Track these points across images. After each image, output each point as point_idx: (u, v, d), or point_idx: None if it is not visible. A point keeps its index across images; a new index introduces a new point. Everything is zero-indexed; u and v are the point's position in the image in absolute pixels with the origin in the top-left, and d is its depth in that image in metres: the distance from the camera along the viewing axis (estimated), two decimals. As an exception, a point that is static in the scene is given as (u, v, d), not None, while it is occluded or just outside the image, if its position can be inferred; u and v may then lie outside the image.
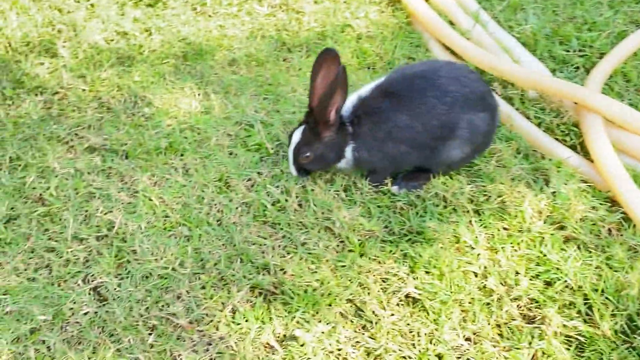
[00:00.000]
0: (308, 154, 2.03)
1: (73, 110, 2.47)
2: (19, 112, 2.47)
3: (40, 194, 2.15)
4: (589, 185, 2.09)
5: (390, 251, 1.94)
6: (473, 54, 2.54)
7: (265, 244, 1.97)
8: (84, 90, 2.55)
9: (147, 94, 2.51)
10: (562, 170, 2.11)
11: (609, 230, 1.99)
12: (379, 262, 1.92)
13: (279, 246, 1.97)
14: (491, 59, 2.48)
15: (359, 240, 1.97)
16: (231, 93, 2.51)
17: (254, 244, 1.98)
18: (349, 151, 2.06)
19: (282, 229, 2.02)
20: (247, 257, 1.94)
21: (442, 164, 2.07)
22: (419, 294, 1.82)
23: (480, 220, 2.01)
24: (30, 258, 1.98)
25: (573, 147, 2.25)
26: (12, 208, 2.11)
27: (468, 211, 2.04)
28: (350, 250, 1.96)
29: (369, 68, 2.63)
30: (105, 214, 2.08)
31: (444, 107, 1.96)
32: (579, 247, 1.93)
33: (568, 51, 2.62)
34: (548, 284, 1.86)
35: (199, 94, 2.52)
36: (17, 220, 2.08)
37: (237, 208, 2.08)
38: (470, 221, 2.01)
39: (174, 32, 2.82)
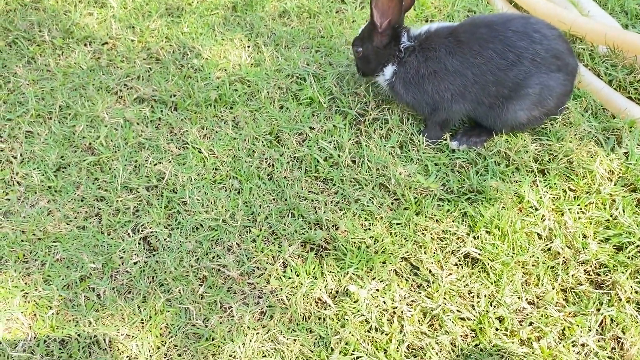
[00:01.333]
0: (359, 49, 2.05)
1: (122, 60, 2.42)
2: (68, 62, 2.44)
3: (90, 143, 2.12)
4: (665, 147, 1.95)
5: (448, 210, 1.85)
6: (538, 5, 2.38)
7: (317, 200, 1.91)
8: (132, 40, 2.50)
9: (196, 45, 2.44)
10: (635, 129, 1.97)
11: (687, 194, 1.85)
12: (437, 221, 1.83)
13: (332, 202, 1.90)
14: (558, 11, 2.32)
15: (415, 198, 1.88)
16: (282, 45, 2.43)
17: (305, 199, 1.91)
18: (389, 71, 2.00)
19: (334, 184, 1.94)
20: (299, 212, 1.88)
21: (505, 124, 1.94)
22: (479, 254, 1.73)
23: (545, 180, 1.89)
24: (80, 206, 1.96)
25: (647, 106, 2.09)
26: (62, 157, 2.10)
27: (532, 170, 1.92)
28: (405, 209, 1.87)
29: (427, 20, 2.49)
30: (155, 164, 2.04)
31: (503, 62, 1.82)
32: (653, 211, 1.80)
33: (642, 5, 2.44)
34: (619, 248, 1.74)
35: (248, 46, 2.44)
36: (67, 169, 2.06)
37: (288, 163, 2.01)
38: (535, 181, 1.89)
39: (223, -16, 2.74)
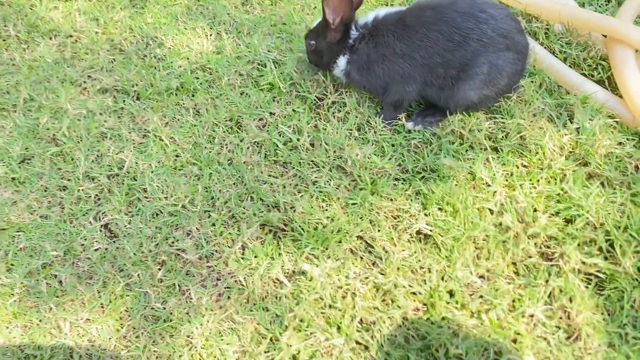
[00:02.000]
0: (312, 42, 2.10)
1: (86, 52, 2.45)
2: (33, 56, 2.46)
3: (54, 134, 2.15)
4: (616, 121, 1.98)
5: (403, 189, 1.89)
6: (497, -13, 2.41)
7: (276, 183, 1.94)
8: (96, 32, 2.52)
9: (159, 35, 2.46)
10: (587, 105, 2.00)
11: (636, 167, 1.88)
12: (391, 200, 1.87)
13: (290, 185, 1.94)
14: (516, -8, 2.35)
15: (370, 178, 1.92)
16: (244, 32, 2.45)
17: (264, 183, 1.95)
18: (343, 61, 2.04)
19: (293, 168, 1.97)
20: (258, 195, 1.92)
21: (458, 104, 1.97)
22: (431, 230, 1.77)
23: (498, 157, 1.93)
24: (43, 196, 1.99)
25: (600, 82, 2.12)
26: (26, 148, 2.12)
27: (486, 148, 1.95)
28: (361, 189, 1.91)
29: (387, 4, 2.52)
30: (117, 153, 2.07)
31: (449, 43, 1.86)
32: (602, 184, 1.84)
33: (600, -17, 2.46)
34: (568, 221, 1.78)
35: (211, 34, 2.46)
36: (31, 160, 2.09)
37: (248, 148, 2.04)
38: (488, 158, 1.93)
39: (188, -26, 2.76)
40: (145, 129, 2.14)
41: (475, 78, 1.89)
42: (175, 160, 2.04)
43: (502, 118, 2.02)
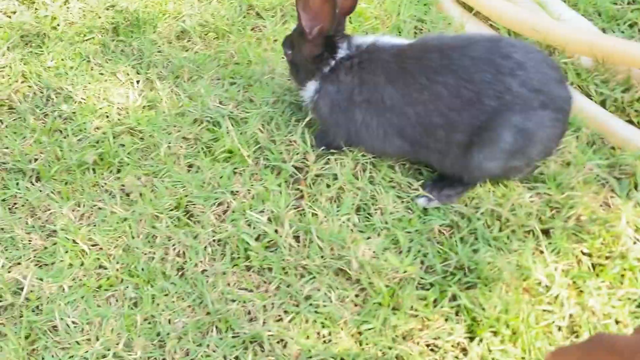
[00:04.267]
0: (288, 52, 1.64)
1: (-42, 114, 1.74)
2: None
3: None
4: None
5: (435, 301, 1.35)
6: (501, 10, 1.94)
7: (252, 301, 1.35)
8: (-27, 83, 1.82)
9: (64, 85, 1.80)
10: (650, 165, 1.55)
11: None
12: (423, 320, 1.32)
13: (273, 304, 1.35)
14: (526, 17, 1.89)
15: (387, 287, 1.36)
16: (183, 78, 1.83)
17: (235, 302, 1.35)
18: (312, 87, 1.57)
19: (275, 276, 1.39)
20: (227, 324, 1.32)
21: (472, 175, 1.49)
22: (491, 371, 1.24)
23: (550, 244, 1.43)
24: None
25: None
26: None
27: (532, 232, 1.45)
28: (376, 304, 1.35)
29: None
30: (9, 270, 1.40)
31: (456, 100, 1.38)
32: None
33: (617, 3, 2.05)
34: (664, 336, 1.31)
35: (138, 81, 1.82)
36: None
37: (205, 249, 1.43)
38: (539, 247, 1.42)
39: (100, -2, 2.10)
40: (50, 228, 1.48)
41: (494, 145, 1.40)
42: (99, 275, 1.40)
43: (545, 188, 1.52)
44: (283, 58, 1.75)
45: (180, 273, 1.41)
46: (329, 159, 1.57)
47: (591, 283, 1.35)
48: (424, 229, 1.47)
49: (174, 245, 1.44)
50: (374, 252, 1.40)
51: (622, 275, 1.38)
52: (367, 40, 1.54)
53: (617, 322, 1.32)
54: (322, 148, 1.60)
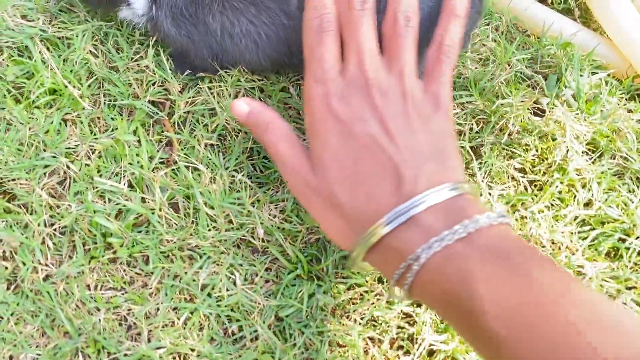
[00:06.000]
0: None
1: None
2: None
3: None
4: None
5: (367, 262, 1.08)
6: None
7: (127, 306, 0.98)
8: None
9: None
10: (574, 54, 1.34)
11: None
12: (354, 287, 1.05)
13: (158, 305, 0.99)
14: None
15: (304, 253, 1.06)
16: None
17: (102, 311, 0.97)
18: (142, 3, 1.04)
19: (154, 266, 1.01)
20: (97, 345, 0.95)
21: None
22: None
23: (482, 164, 1.21)
24: None
25: (566, 12, 1.47)
26: None
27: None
28: (296, 277, 1.05)
29: None
30: None
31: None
32: None
33: None
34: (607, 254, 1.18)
35: None
36: None
37: (43, 243, 1.00)
38: (469, 169, 1.19)
39: None
40: None
41: None
42: None
43: (469, 95, 1.27)
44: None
45: (13, 286, 0.98)
46: (200, 87, 1.15)
47: (535, 208, 1.17)
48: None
49: (-7, 246, 0.99)
50: (283, 211, 1.08)
51: (561, 192, 1.21)
52: None
53: (567, 248, 1.16)
54: (187, 72, 1.16)
